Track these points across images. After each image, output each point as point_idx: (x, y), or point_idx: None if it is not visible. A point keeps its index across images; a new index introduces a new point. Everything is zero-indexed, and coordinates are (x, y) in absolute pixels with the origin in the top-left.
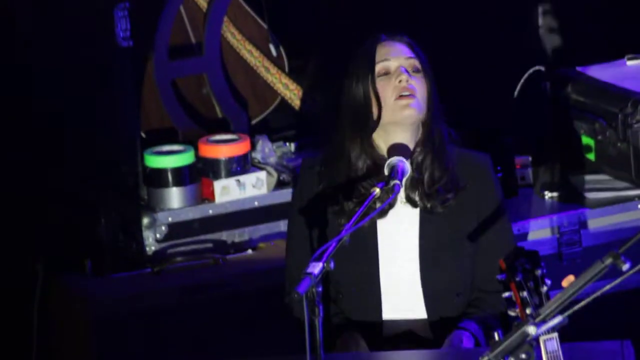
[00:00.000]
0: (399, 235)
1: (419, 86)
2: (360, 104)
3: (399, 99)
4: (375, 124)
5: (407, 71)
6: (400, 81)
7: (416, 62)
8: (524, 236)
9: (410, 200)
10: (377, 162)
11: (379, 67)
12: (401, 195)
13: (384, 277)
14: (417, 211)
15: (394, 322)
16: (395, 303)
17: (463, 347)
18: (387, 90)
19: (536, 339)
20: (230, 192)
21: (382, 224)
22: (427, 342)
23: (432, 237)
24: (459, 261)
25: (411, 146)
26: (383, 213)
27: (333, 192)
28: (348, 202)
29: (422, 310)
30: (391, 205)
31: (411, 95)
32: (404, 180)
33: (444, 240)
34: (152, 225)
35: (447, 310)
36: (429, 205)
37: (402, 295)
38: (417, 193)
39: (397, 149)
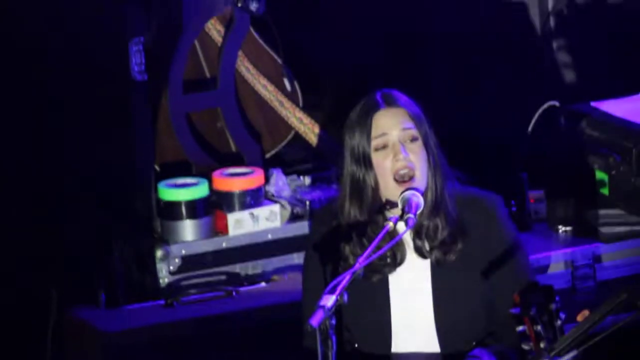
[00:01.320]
0: (411, 287)
1: (417, 156)
2: (358, 180)
3: (398, 184)
4: (376, 194)
5: (404, 147)
6: (397, 160)
7: (413, 132)
8: (538, 270)
9: (420, 252)
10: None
11: (376, 142)
12: (410, 246)
13: (397, 329)
14: (427, 262)
15: (407, 356)
16: (410, 351)
17: None
18: (385, 164)
19: None
20: (243, 225)
21: (393, 277)
22: None
23: (445, 287)
24: (474, 306)
25: None
26: (394, 263)
27: (345, 234)
28: (362, 240)
29: (438, 350)
30: (401, 260)
31: (410, 179)
32: (418, 213)
33: (458, 287)
34: (166, 257)
35: (464, 350)
36: (438, 257)
37: (416, 344)
38: (425, 245)
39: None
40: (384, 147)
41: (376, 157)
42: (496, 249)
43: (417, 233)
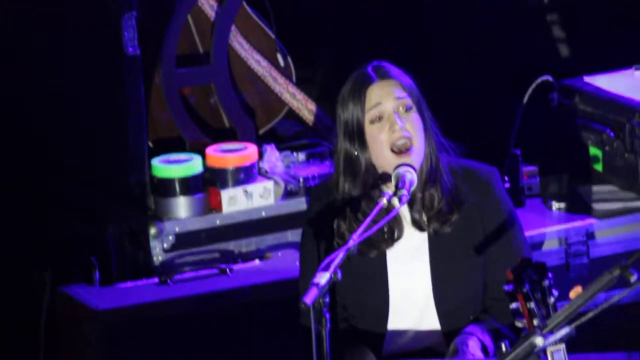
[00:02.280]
0: (409, 260)
1: (413, 125)
2: (351, 155)
3: (396, 155)
4: (370, 169)
5: (399, 116)
6: (394, 131)
7: (407, 101)
8: (531, 247)
9: (417, 225)
10: (378, 181)
11: (371, 113)
12: (407, 220)
13: (394, 304)
14: (425, 235)
15: (404, 332)
16: (407, 327)
17: (468, 354)
18: (380, 137)
19: (543, 350)
20: (237, 202)
21: (391, 252)
22: (438, 354)
23: (443, 259)
24: (471, 278)
25: None
26: (391, 238)
27: (340, 211)
28: (357, 216)
29: (436, 326)
30: (399, 235)
31: (408, 150)
32: (412, 189)
33: (455, 259)
34: (160, 234)
35: (461, 325)
36: (435, 228)
37: (414, 320)
38: (422, 217)
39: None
40: (379, 118)
41: (371, 130)
42: (492, 220)
43: (414, 205)
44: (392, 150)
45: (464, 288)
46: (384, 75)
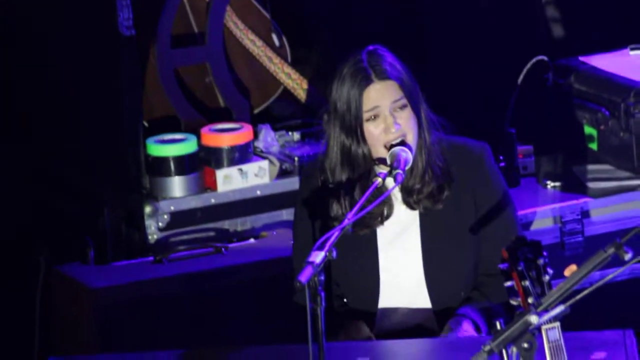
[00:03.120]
0: (399, 239)
1: (408, 122)
2: (349, 149)
3: (389, 150)
4: (366, 159)
5: (395, 116)
6: (389, 132)
7: (403, 102)
8: (526, 226)
9: (408, 203)
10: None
11: (367, 114)
12: (398, 198)
13: (385, 283)
14: (416, 212)
15: (395, 310)
16: (399, 305)
17: (461, 332)
18: (376, 133)
19: (538, 328)
20: (232, 181)
21: (381, 230)
22: (429, 332)
23: (433, 236)
24: (463, 256)
25: None
26: (382, 216)
27: (334, 190)
28: (351, 196)
29: (427, 305)
30: (389, 214)
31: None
32: (406, 168)
33: (446, 236)
34: (155, 213)
35: (453, 303)
36: (425, 205)
37: (405, 299)
38: (412, 197)
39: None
40: (375, 117)
41: (367, 126)
42: (483, 195)
43: (405, 188)
44: (385, 147)
45: (455, 265)
46: (381, 75)
